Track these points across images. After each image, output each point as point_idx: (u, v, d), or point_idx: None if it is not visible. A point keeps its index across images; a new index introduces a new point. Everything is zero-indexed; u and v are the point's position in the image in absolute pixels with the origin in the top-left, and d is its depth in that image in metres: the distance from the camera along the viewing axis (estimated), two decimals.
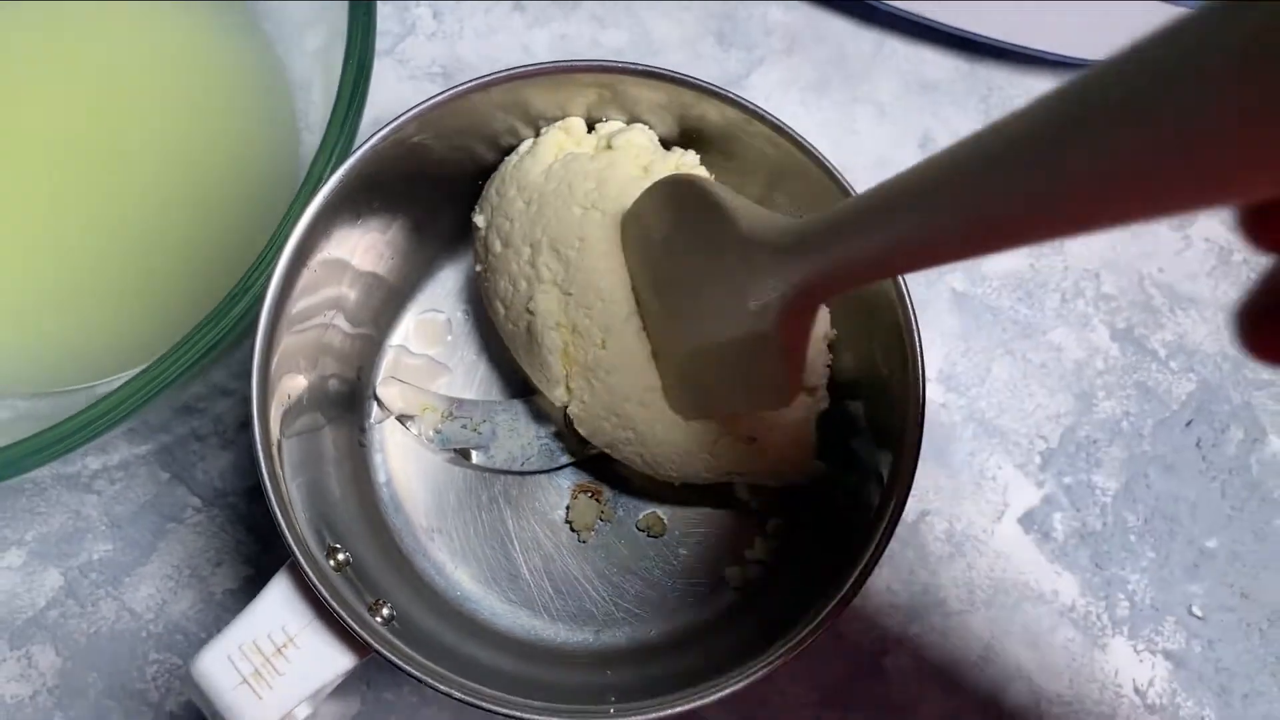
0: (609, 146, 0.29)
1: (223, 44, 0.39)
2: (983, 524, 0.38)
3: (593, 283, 0.29)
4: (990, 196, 0.17)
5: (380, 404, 0.34)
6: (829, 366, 0.31)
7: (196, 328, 0.29)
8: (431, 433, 0.34)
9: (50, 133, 0.38)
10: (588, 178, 0.29)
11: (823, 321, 0.31)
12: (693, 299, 0.27)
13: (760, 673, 0.25)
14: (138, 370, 0.29)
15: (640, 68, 0.29)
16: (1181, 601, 0.37)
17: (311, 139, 0.39)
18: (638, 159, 0.29)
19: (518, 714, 0.24)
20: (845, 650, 0.36)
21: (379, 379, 0.34)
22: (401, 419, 0.34)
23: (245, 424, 0.37)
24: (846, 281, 0.23)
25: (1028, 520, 0.38)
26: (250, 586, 0.36)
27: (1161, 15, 0.14)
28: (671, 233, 0.28)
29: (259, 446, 0.26)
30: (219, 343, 0.29)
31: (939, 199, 0.18)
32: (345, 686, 0.33)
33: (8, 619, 0.36)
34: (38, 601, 0.36)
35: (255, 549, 0.37)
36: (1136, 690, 0.36)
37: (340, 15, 0.32)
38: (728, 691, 0.25)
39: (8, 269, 0.36)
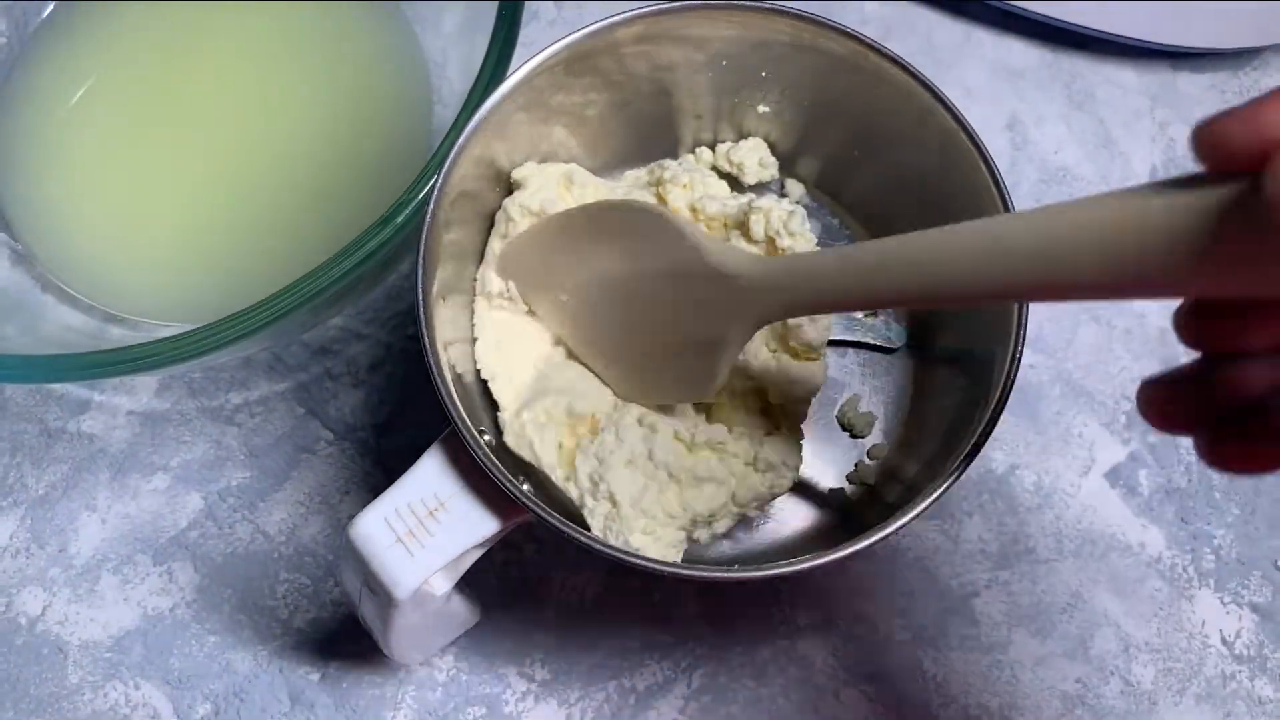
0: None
1: (367, 24, 0.43)
2: (1070, 478, 0.39)
3: None
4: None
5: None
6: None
7: (344, 249, 0.32)
8: None
9: (220, 100, 0.42)
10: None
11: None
12: (644, 311, 0.31)
13: (898, 525, 0.27)
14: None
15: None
16: (1268, 556, 0.38)
17: (443, 112, 0.42)
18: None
19: (658, 566, 0.26)
20: (937, 592, 0.38)
21: None
22: None
23: (375, 365, 0.40)
24: (802, 313, 0.30)
25: (1114, 475, 0.39)
26: None
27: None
28: (625, 253, 0.31)
29: (421, 311, 0.28)
30: (365, 260, 0.32)
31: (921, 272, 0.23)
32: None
33: (152, 537, 0.39)
34: (179, 522, 0.39)
35: (380, 479, 0.39)
36: (1224, 641, 0.37)
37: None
38: (847, 552, 0.27)
39: (181, 216, 0.41)
